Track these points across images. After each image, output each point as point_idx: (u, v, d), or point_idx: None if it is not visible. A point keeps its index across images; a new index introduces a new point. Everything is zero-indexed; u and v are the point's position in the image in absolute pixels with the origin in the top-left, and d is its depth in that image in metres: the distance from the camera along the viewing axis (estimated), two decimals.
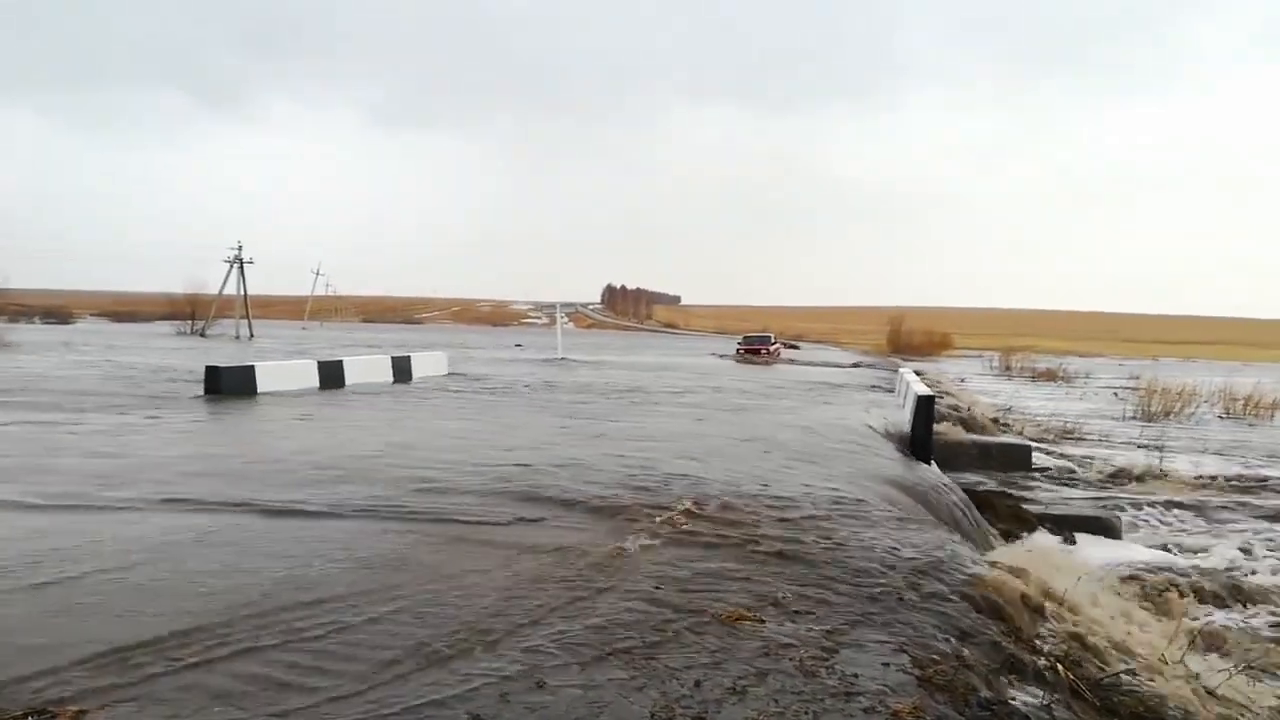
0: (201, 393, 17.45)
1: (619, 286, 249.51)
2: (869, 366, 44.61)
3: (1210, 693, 6.06)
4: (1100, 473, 18.40)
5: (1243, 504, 15.44)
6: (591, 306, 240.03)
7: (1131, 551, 11.74)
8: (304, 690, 3.97)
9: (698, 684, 4.22)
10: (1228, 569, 11.28)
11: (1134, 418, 28.51)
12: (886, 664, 4.61)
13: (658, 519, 7.51)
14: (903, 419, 17.05)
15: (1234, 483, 17.37)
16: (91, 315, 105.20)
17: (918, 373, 23.59)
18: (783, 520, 7.73)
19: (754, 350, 47.67)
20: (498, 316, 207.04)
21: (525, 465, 9.95)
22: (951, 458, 16.84)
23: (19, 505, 7.40)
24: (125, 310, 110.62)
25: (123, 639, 4.43)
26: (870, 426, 16.17)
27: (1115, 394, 38.12)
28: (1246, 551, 12.39)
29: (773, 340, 51.26)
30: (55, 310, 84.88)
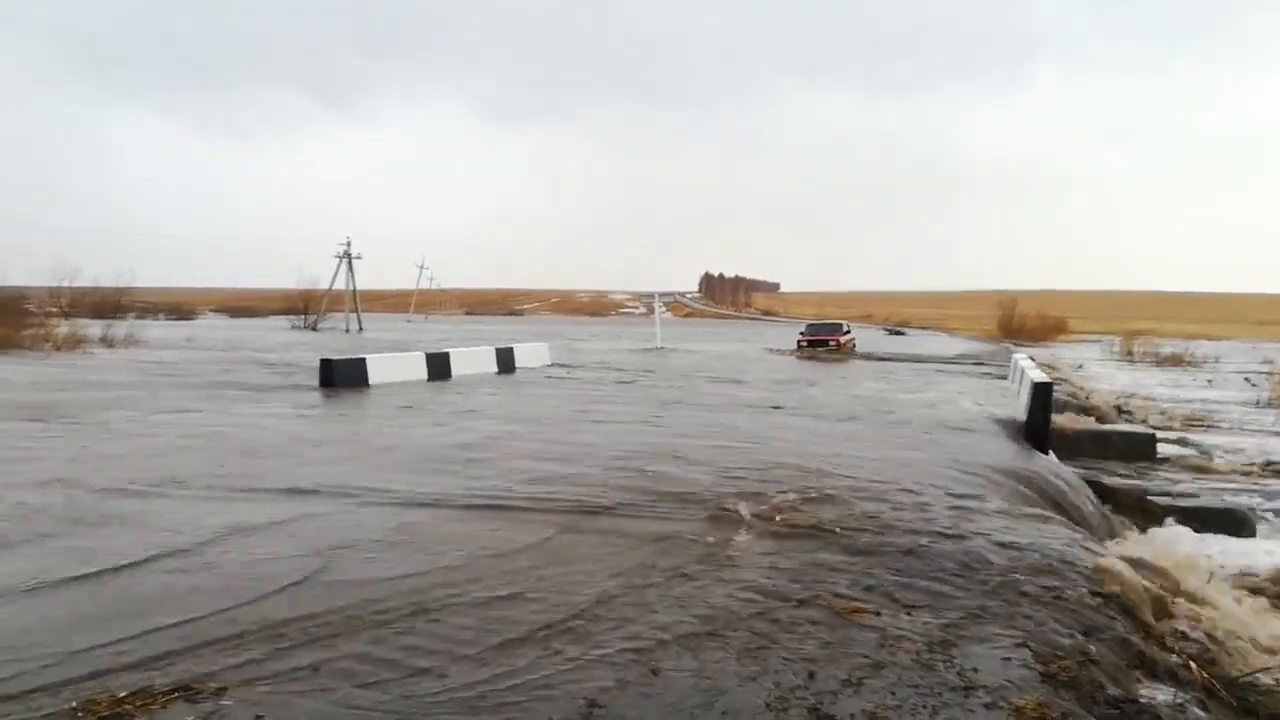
0: (317, 384, 18.16)
1: (717, 275, 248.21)
2: (975, 360, 34.80)
3: None
4: (1232, 464, 17.39)
5: None
6: (690, 295, 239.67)
7: (1268, 547, 11.07)
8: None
9: (812, 675, 4.18)
10: None
11: (1269, 405, 26.85)
12: (1008, 659, 4.48)
13: (763, 510, 7.47)
14: (1018, 407, 16.49)
15: None
16: (211, 311, 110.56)
17: (1032, 358, 22.73)
18: (894, 510, 7.59)
19: (819, 341, 36.65)
20: (596, 307, 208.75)
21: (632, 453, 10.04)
22: (1070, 447, 16.20)
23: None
24: (243, 306, 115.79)
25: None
26: (985, 415, 15.72)
27: (1247, 379, 35.98)
28: None
29: (845, 329, 39.87)
30: (177, 307, 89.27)
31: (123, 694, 3.77)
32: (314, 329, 59.82)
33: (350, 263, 65.52)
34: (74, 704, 3.67)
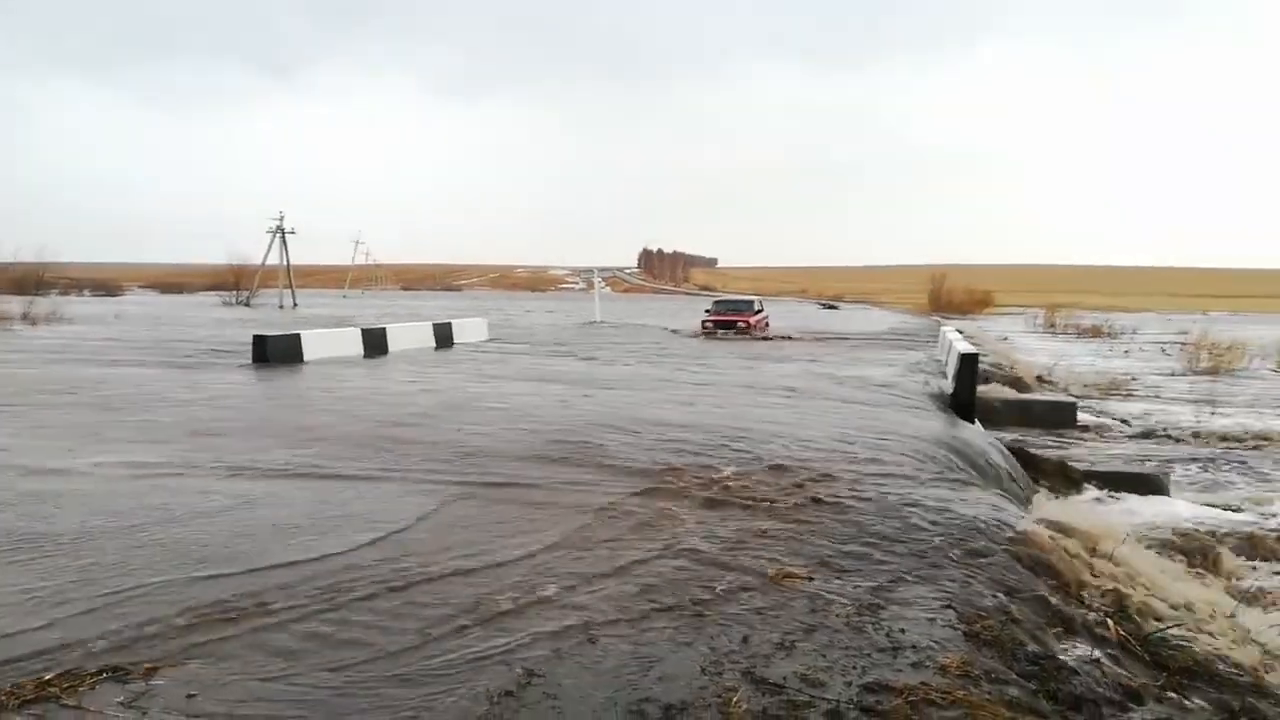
0: (249, 360, 17.80)
1: (655, 250, 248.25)
2: (905, 336, 32.61)
3: (1261, 648, 6.02)
4: (1148, 429, 18.13)
5: None
6: (628, 271, 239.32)
7: (1180, 508, 11.59)
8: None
9: (745, 639, 4.30)
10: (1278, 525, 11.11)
11: (1183, 373, 27.98)
12: (933, 619, 4.66)
13: (699, 480, 7.59)
14: (946, 377, 16.94)
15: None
16: (140, 288, 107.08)
17: (960, 331, 23.32)
18: (825, 479, 7.77)
19: (726, 322, 31.01)
20: (535, 283, 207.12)
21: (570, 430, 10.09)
22: (995, 416, 16.69)
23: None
24: (173, 282, 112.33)
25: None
26: (912, 386, 16.10)
27: (1163, 349, 37.40)
28: None
29: (756, 306, 33.78)
30: (104, 283, 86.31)
31: (49, 676, 3.72)
32: (247, 305, 58.42)
33: (284, 238, 63.97)
34: None
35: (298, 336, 18.92)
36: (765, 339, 29.64)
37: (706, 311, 33.06)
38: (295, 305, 58.33)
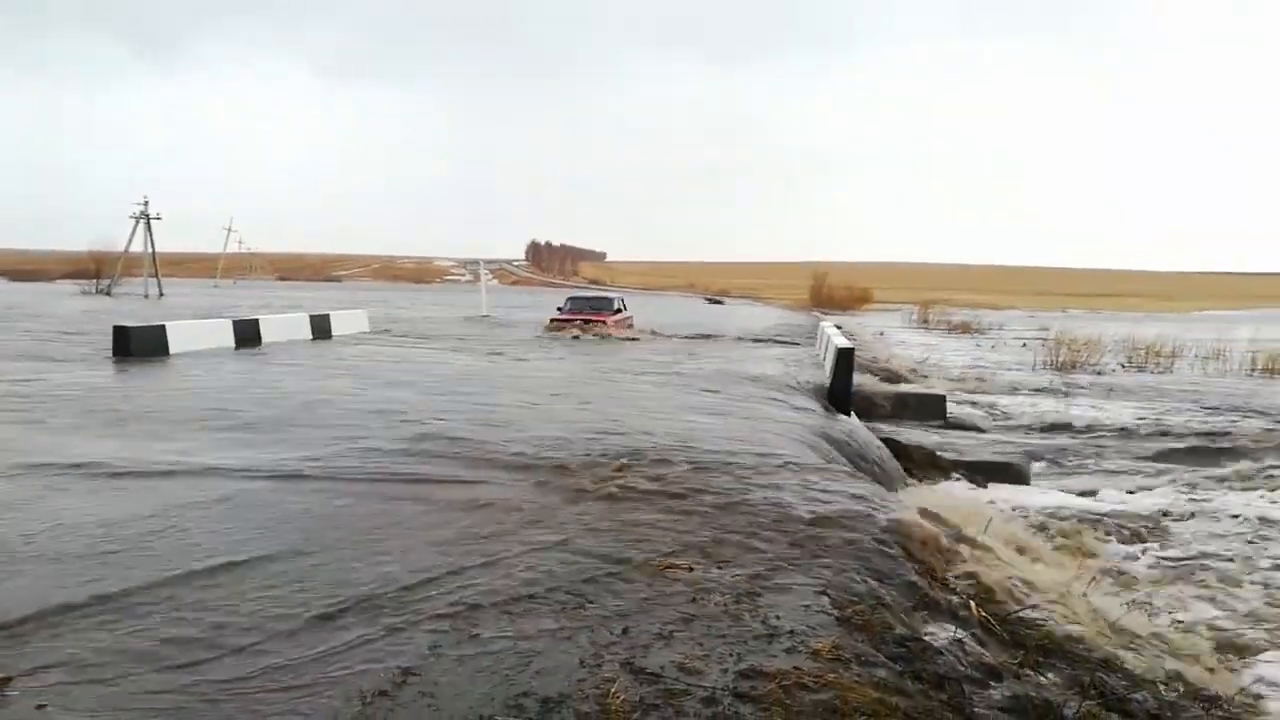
0: (110, 354, 16.82)
1: (543, 243, 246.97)
2: (784, 340, 27.80)
3: (1110, 624, 6.41)
4: (1011, 420, 19.10)
5: (1143, 448, 16.23)
6: (516, 263, 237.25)
7: (1040, 496, 12.25)
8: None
9: (626, 630, 4.32)
10: (1131, 509, 11.87)
11: (1043, 367, 29.58)
12: (807, 606, 4.77)
13: (586, 474, 7.58)
14: (823, 371, 17.40)
15: (1133, 428, 18.18)
16: None
17: (838, 326, 24.03)
18: (704, 471, 7.87)
19: (579, 320, 26.65)
20: (420, 274, 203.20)
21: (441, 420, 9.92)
22: (870, 408, 17.25)
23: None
24: (26, 269, 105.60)
25: None
26: (789, 378, 16.46)
27: (1024, 344, 39.44)
28: (1150, 491, 13.06)
29: (616, 305, 29.40)
30: None
31: None
32: (108, 294, 55.26)
33: (149, 223, 60.76)
34: None
35: (163, 328, 17.99)
36: (630, 339, 25.72)
37: (559, 310, 28.38)
38: (161, 295, 55.55)
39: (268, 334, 20.66)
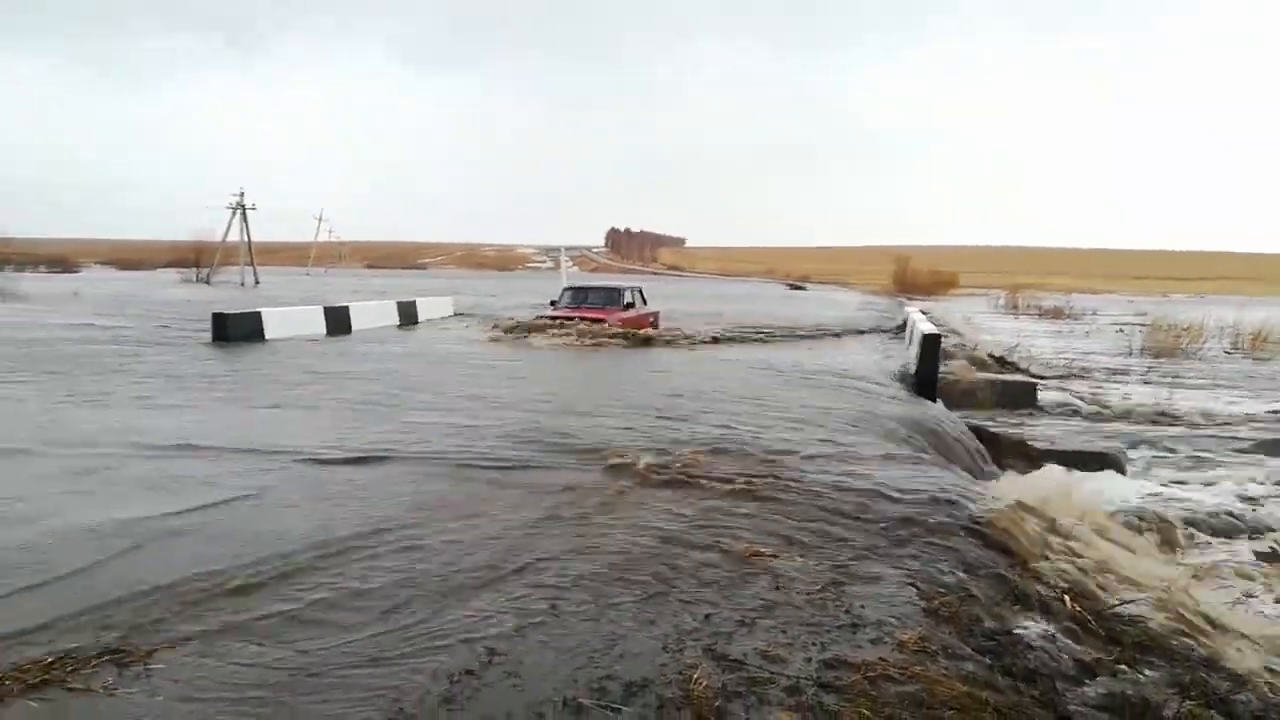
0: (209, 339, 17.52)
1: (623, 229, 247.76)
2: (865, 331, 25.20)
3: (1212, 622, 6.15)
4: (1106, 409, 18.43)
5: (1247, 438, 15.50)
6: (596, 250, 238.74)
7: (1137, 487, 11.81)
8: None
9: (708, 617, 4.31)
10: (1232, 502, 11.36)
11: (1140, 354, 28.47)
12: (893, 596, 4.70)
13: (662, 460, 7.59)
14: (909, 358, 17.07)
15: (1237, 418, 17.39)
16: (97, 264, 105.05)
17: (924, 312, 23.51)
18: (790, 459, 7.81)
19: (582, 315, 20.86)
20: (502, 261, 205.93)
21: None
22: (957, 396, 16.86)
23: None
24: (131, 259, 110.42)
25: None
26: (876, 367, 16.21)
27: (1120, 330, 38.02)
28: (1251, 484, 12.48)
29: (628, 299, 22.40)
30: (59, 259, 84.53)
31: (50, 660, 3.66)
32: (207, 282, 57.49)
33: (244, 214, 62.99)
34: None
35: (258, 314, 18.66)
36: (650, 340, 20.01)
37: (551, 303, 23.15)
38: (257, 283, 57.50)
39: (357, 321, 21.27)
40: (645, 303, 23.44)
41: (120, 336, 18.20)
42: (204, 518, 5.63)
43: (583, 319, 20.57)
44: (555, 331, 19.90)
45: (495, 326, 21.50)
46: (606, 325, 20.13)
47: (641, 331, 20.52)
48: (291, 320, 19.50)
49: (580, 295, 22.83)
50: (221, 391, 11.15)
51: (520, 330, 20.56)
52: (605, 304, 22.02)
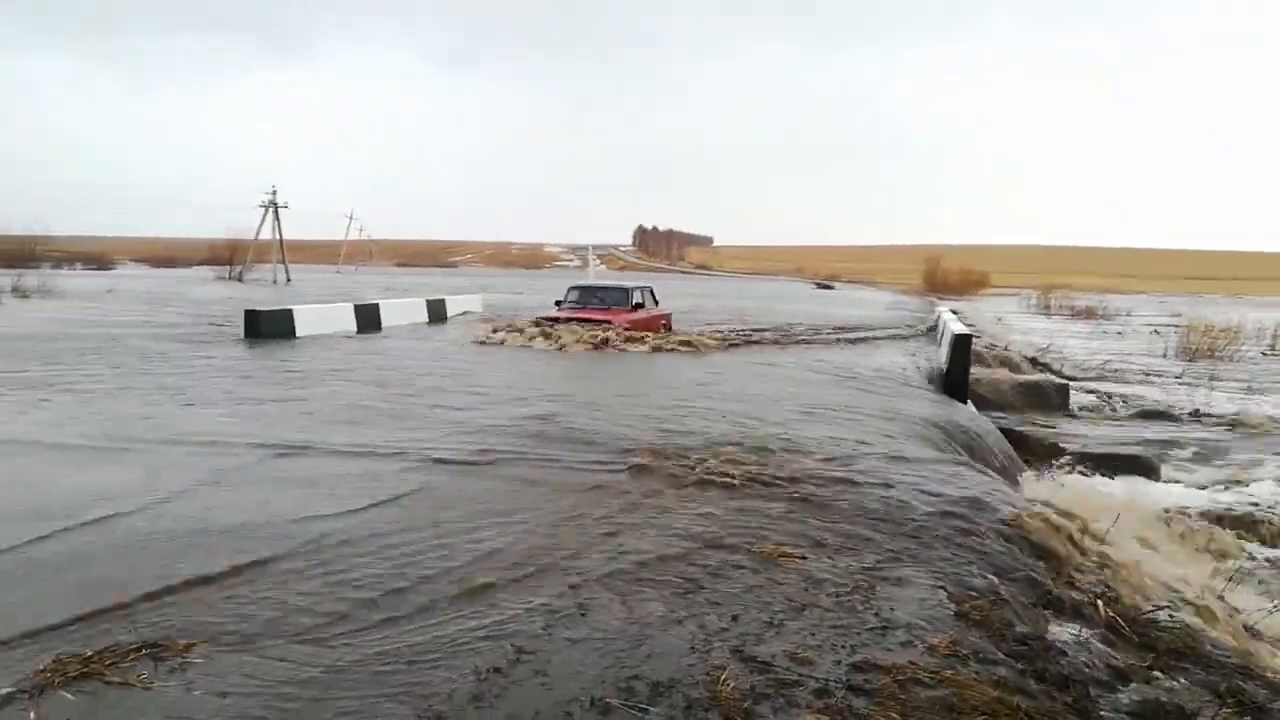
0: (241, 335, 17.75)
1: (650, 228, 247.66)
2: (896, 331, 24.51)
3: (1249, 629, 6.06)
4: (1139, 411, 18.19)
5: None
6: (623, 248, 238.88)
7: (1171, 491, 11.65)
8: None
9: (735, 617, 4.30)
10: (1269, 506, 11.17)
11: (1175, 355, 28.05)
12: (923, 599, 4.66)
13: (690, 460, 7.58)
14: (939, 358, 16.94)
15: (1275, 420, 17.09)
16: (132, 261, 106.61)
17: (955, 312, 23.30)
18: (818, 460, 7.77)
19: (586, 317, 19.35)
20: (530, 259, 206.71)
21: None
22: (988, 397, 16.73)
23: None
24: (165, 256, 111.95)
25: None
26: (905, 367, 16.10)
27: (1155, 331, 37.49)
28: None
29: (636, 299, 20.63)
30: (94, 256, 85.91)
31: (89, 653, 3.72)
32: (240, 280, 58.19)
33: (277, 212, 63.75)
34: (42, 666, 3.59)
35: (290, 312, 18.85)
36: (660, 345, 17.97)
37: (556, 303, 21.25)
38: (289, 280, 58.11)
39: (387, 318, 21.44)
40: (657, 303, 21.95)
41: (179, 333, 18.44)
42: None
43: (585, 321, 19.06)
44: (550, 334, 18.31)
45: (495, 329, 19.64)
46: (612, 327, 18.48)
47: (649, 335, 18.78)
48: (323, 318, 19.70)
49: (587, 295, 21.20)
50: (294, 389, 11.26)
51: (512, 330, 19.05)
52: (612, 305, 20.33)
